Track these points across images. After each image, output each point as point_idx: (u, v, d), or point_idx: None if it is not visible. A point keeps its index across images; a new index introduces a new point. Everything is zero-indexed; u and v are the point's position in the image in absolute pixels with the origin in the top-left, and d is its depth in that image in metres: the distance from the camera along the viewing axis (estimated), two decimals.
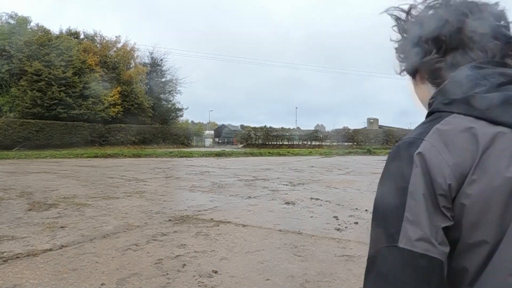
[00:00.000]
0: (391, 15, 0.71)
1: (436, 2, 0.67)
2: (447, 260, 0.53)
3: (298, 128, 58.87)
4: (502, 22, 0.64)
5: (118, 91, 32.46)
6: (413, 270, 0.50)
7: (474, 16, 0.62)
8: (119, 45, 37.56)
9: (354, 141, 38.41)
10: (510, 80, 0.58)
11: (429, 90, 0.68)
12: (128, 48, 37.80)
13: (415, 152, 0.55)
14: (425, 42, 0.65)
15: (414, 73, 0.72)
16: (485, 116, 0.55)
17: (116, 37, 37.60)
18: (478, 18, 0.61)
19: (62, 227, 4.74)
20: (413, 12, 0.69)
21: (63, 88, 28.15)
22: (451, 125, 0.56)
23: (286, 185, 9.16)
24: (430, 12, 0.66)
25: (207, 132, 57.99)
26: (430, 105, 0.64)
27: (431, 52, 0.64)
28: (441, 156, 0.54)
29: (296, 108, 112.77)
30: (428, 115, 0.64)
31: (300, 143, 39.49)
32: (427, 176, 0.53)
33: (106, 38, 37.09)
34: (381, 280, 0.52)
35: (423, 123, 0.62)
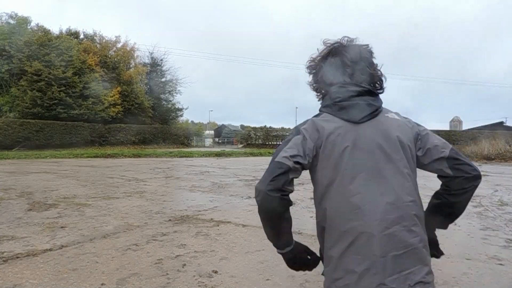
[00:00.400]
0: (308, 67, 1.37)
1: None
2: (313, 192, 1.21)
3: None
4: (367, 64, 1.24)
5: (118, 91, 32.45)
6: (275, 166, 1.09)
7: (334, 56, 1.26)
8: (119, 45, 37.56)
9: None
10: (356, 95, 1.17)
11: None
12: (128, 48, 37.79)
13: (301, 127, 1.17)
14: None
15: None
16: (336, 115, 1.17)
17: (116, 37, 37.62)
18: (355, 63, 1.22)
19: (62, 227, 4.74)
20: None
21: (63, 88, 28.14)
22: (321, 118, 1.19)
23: None
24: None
25: (207, 132, 57.99)
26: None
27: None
28: (311, 132, 1.15)
29: (296, 108, 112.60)
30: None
31: None
32: (304, 138, 1.13)
33: (106, 38, 37.10)
34: (267, 171, 1.10)
35: (313, 116, 1.23)
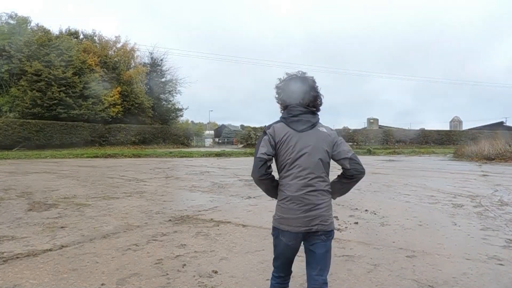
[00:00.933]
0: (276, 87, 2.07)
1: (281, 83, 2.05)
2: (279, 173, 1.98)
3: None
4: (312, 90, 1.96)
5: (118, 91, 32.45)
6: (260, 162, 1.88)
7: (290, 85, 1.98)
8: (119, 45, 37.59)
9: (354, 141, 38.41)
10: (301, 113, 1.92)
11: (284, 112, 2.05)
12: (128, 48, 37.80)
13: (267, 131, 1.94)
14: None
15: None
16: (289, 125, 1.93)
17: (116, 37, 37.65)
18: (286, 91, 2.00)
19: (62, 227, 4.75)
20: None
21: (63, 88, 28.14)
22: (278, 125, 1.95)
23: None
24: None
25: (207, 132, 58.00)
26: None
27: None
28: (273, 134, 1.92)
29: None
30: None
31: None
32: (270, 138, 1.92)
33: (106, 38, 37.11)
34: (254, 165, 1.90)
35: (274, 122, 2.01)
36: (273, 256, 2.06)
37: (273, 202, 2.07)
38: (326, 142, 1.93)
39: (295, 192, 1.87)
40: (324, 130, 1.95)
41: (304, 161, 1.87)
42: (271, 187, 1.98)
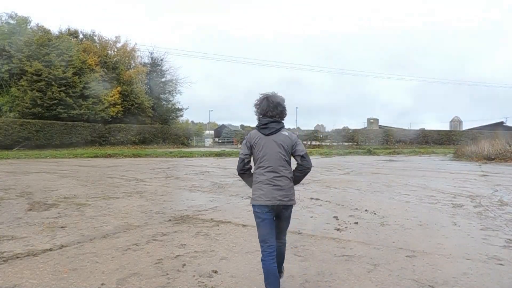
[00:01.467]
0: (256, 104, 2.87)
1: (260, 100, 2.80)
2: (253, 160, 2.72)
3: (298, 128, 58.89)
4: (279, 105, 2.70)
5: (118, 91, 32.45)
6: (240, 160, 2.69)
7: (262, 103, 2.73)
8: (119, 45, 37.57)
9: (354, 141, 38.39)
10: (268, 122, 2.65)
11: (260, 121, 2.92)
12: (128, 48, 37.79)
13: (246, 137, 2.73)
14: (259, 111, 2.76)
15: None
16: (260, 131, 2.67)
17: (116, 37, 37.62)
18: (271, 107, 2.68)
19: (62, 227, 4.75)
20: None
21: (63, 88, 28.13)
22: (253, 131, 2.72)
23: None
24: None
25: (207, 132, 58.01)
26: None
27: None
28: (249, 139, 2.69)
29: (296, 108, 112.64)
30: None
31: None
32: (247, 142, 2.70)
33: (106, 38, 37.09)
34: (238, 162, 2.73)
35: (252, 129, 3.04)
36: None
37: None
38: (286, 143, 2.62)
39: (265, 178, 2.57)
40: (286, 133, 2.66)
41: (269, 156, 2.59)
42: (248, 179, 2.73)
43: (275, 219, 2.65)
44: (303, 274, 3.19)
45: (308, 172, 2.67)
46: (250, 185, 2.70)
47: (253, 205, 2.60)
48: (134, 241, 4.11)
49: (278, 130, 2.63)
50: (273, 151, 2.58)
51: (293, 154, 2.65)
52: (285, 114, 2.72)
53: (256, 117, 2.75)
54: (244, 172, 2.70)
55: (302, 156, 2.62)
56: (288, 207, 2.62)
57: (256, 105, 2.73)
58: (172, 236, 4.35)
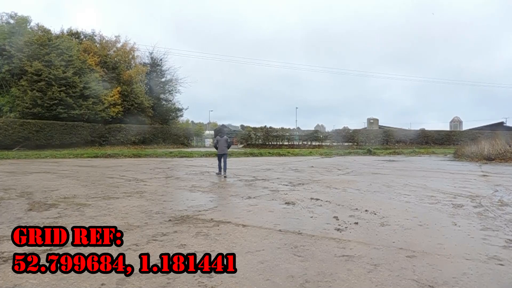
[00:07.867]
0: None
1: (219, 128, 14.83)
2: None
3: (298, 128, 58.88)
4: (225, 130, 15.40)
5: (118, 91, 32.47)
6: (214, 144, 12.43)
7: (217, 129, 14.17)
8: (119, 45, 37.60)
9: (354, 141, 38.40)
10: (219, 134, 12.24)
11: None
12: (128, 48, 37.82)
13: (215, 138, 12.38)
14: (217, 133, 12.82)
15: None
16: (217, 135, 12.25)
17: (116, 37, 37.66)
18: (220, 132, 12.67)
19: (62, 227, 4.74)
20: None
21: (63, 88, 28.15)
22: (217, 137, 12.12)
23: (286, 185, 9.16)
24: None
25: (207, 132, 58.00)
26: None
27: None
28: (215, 140, 12.28)
29: (296, 108, 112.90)
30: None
31: (300, 143, 39.44)
32: (214, 140, 12.40)
33: (106, 38, 37.11)
34: (213, 143, 13.04)
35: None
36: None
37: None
38: (225, 140, 11.72)
39: (219, 150, 11.61)
40: (226, 137, 11.91)
41: (220, 145, 11.57)
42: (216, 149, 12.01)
43: (221, 158, 11.46)
44: (303, 274, 3.19)
45: (230, 146, 11.50)
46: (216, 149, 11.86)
47: (217, 154, 11.74)
48: (134, 241, 4.11)
49: (222, 136, 11.76)
50: (222, 143, 11.60)
51: (228, 142, 11.92)
52: (225, 132, 12.21)
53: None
54: (215, 147, 11.77)
55: (228, 143, 11.87)
56: (225, 154, 11.57)
57: (215, 130, 10.50)
58: (172, 236, 4.35)
